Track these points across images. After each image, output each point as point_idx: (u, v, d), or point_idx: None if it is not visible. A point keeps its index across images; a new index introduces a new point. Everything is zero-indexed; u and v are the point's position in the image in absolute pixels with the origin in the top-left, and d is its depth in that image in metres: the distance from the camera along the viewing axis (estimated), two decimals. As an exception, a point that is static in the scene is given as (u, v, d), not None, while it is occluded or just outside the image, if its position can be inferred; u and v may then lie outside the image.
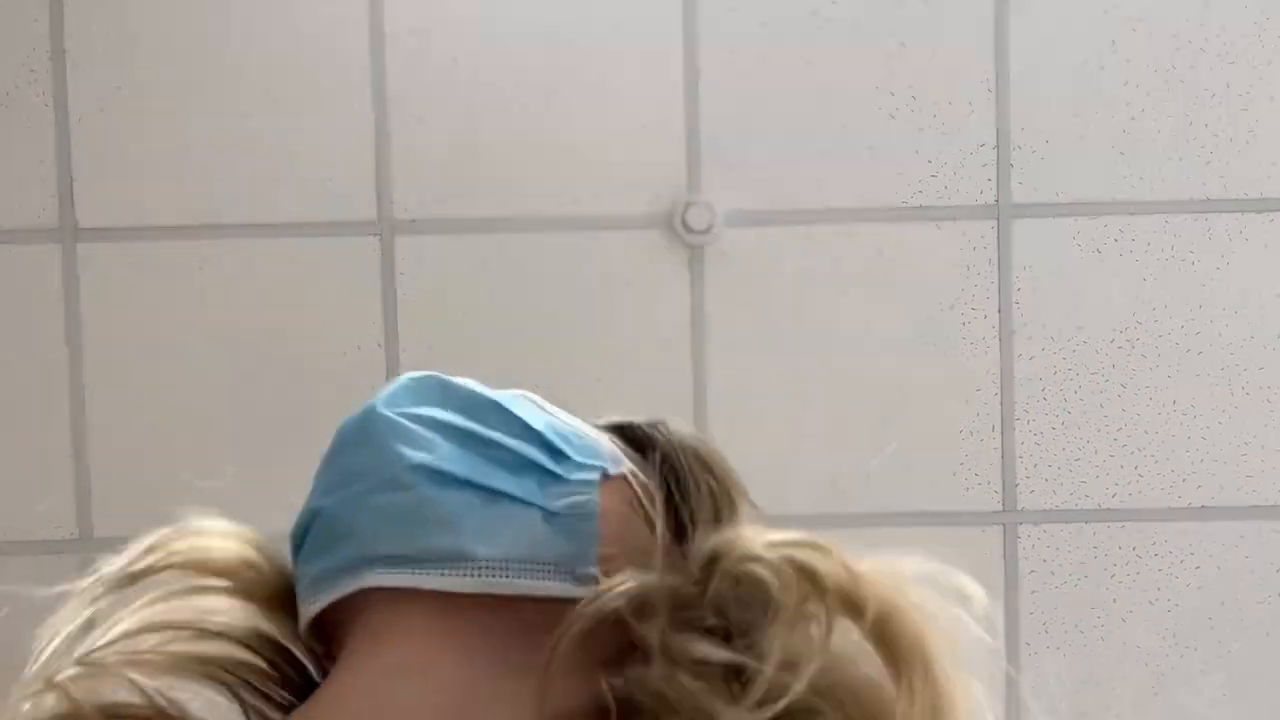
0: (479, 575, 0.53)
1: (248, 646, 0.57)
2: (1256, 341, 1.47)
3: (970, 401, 1.48)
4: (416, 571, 0.53)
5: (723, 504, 0.59)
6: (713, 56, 1.46)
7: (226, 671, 0.56)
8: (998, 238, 1.47)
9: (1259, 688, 1.49)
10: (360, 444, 0.57)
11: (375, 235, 1.47)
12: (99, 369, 1.47)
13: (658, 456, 0.59)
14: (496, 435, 0.56)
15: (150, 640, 0.56)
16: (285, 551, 0.60)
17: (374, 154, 1.46)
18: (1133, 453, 1.48)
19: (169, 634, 0.56)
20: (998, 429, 1.47)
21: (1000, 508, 1.48)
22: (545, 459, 0.56)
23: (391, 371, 1.47)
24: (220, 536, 0.59)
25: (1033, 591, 1.48)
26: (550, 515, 0.54)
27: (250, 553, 0.59)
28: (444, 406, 0.58)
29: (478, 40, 1.47)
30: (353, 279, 1.47)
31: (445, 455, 0.55)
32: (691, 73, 1.46)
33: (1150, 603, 1.48)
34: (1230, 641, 1.49)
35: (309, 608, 0.56)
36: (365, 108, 1.46)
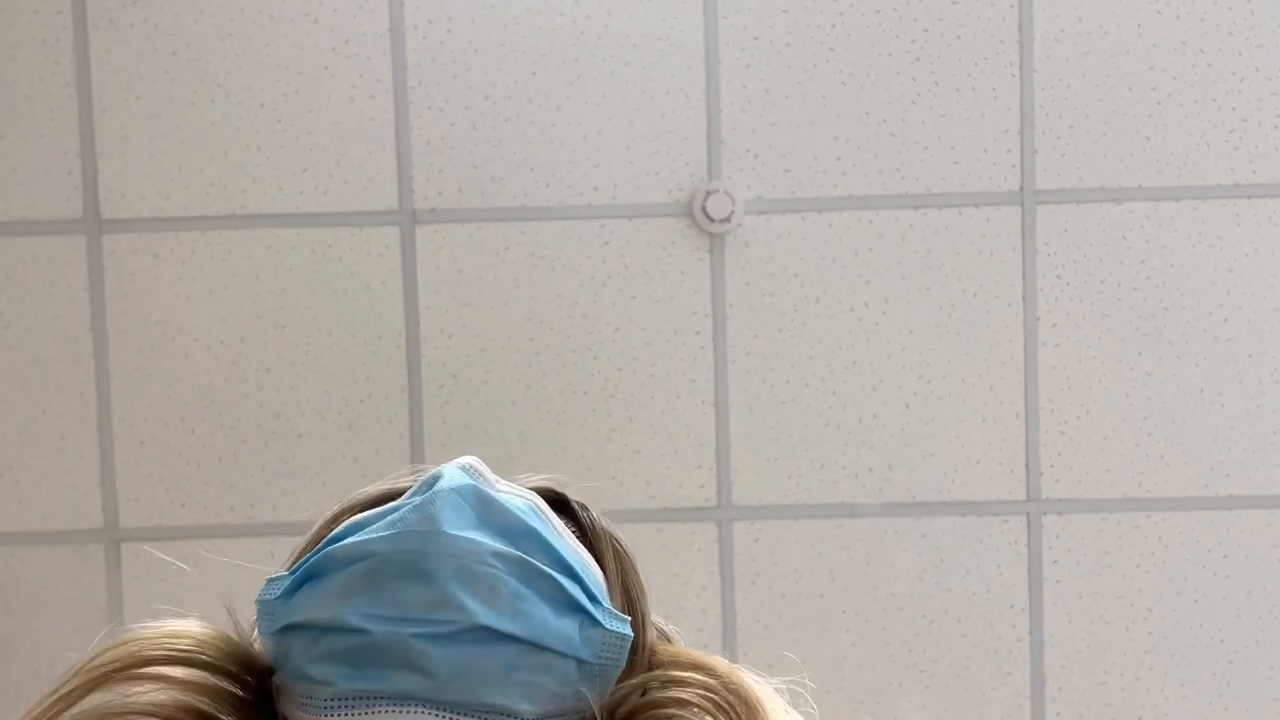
0: None
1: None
2: (1285, 329, 1.46)
3: (994, 389, 1.47)
4: None
5: (632, 590, 0.64)
6: (733, 43, 1.46)
7: None
8: (1022, 224, 1.46)
9: (1287, 679, 1.47)
10: (422, 578, 0.58)
11: (396, 225, 1.47)
12: (124, 360, 1.48)
13: (588, 539, 0.65)
14: (542, 566, 0.59)
15: None
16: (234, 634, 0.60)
17: (395, 143, 1.47)
18: (1158, 441, 1.46)
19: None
20: (1021, 417, 1.46)
21: (1024, 497, 1.47)
22: (582, 596, 0.60)
23: (412, 361, 1.47)
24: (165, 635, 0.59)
25: (1057, 582, 1.47)
26: (582, 664, 0.59)
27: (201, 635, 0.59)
28: (484, 527, 0.60)
29: (498, 29, 1.46)
30: (374, 268, 1.47)
31: (505, 609, 0.58)
32: (713, 60, 1.46)
33: (1176, 594, 1.47)
34: (1258, 632, 1.47)
35: (323, 716, 0.57)
36: (386, 97, 1.46)
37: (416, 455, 1.47)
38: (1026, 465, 1.47)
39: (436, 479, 0.61)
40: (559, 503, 0.66)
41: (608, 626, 0.60)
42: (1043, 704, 1.47)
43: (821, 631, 1.47)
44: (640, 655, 0.61)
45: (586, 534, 0.65)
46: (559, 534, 0.62)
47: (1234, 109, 1.45)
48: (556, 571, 0.59)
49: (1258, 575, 1.47)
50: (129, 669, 0.57)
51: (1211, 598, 1.47)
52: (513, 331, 1.47)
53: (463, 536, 0.58)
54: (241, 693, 0.59)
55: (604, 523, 0.66)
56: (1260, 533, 1.47)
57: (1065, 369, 1.46)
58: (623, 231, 1.47)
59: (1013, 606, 1.47)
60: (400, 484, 0.65)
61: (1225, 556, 1.47)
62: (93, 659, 0.57)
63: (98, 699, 0.56)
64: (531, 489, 0.65)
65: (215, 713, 0.57)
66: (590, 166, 1.46)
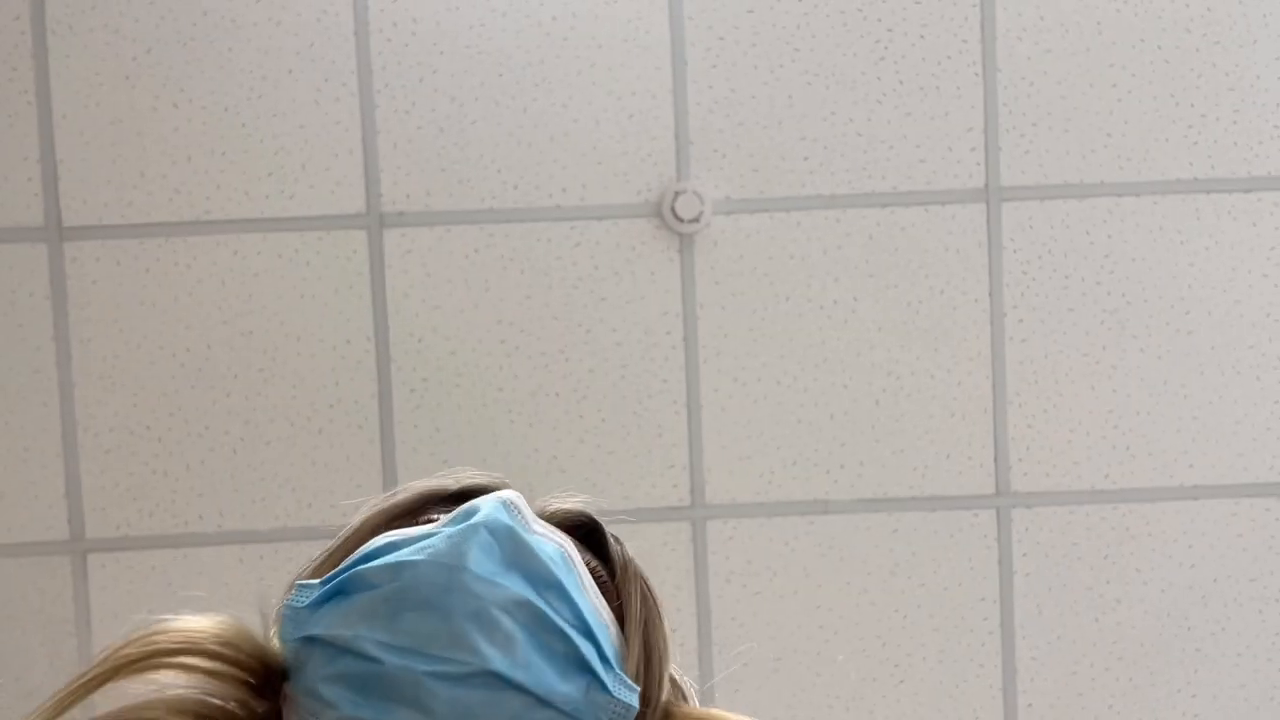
0: None
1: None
2: (1246, 320, 1.48)
3: (962, 385, 1.48)
4: None
5: (653, 643, 0.63)
6: (700, 44, 1.46)
7: None
8: (987, 221, 1.48)
9: (1253, 665, 1.49)
10: (440, 614, 0.58)
11: (363, 228, 1.46)
12: (87, 368, 1.46)
13: (616, 581, 0.65)
14: (560, 622, 0.59)
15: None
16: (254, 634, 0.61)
17: (361, 147, 1.46)
18: (1124, 434, 1.48)
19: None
20: (990, 412, 1.48)
21: (993, 491, 1.48)
22: (595, 659, 0.60)
23: (382, 365, 1.46)
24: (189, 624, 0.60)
25: (1026, 574, 1.49)
26: None
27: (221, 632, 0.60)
28: (511, 570, 0.60)
29: (464, 31, 1.46)
30: (341, 272, 1.46)
31: (518, 658, 0.58)
32: (679, 61, 1.46)
33: (1144, 583, 1.49)
34: (1224, 619, 1.49)
35: None
36: (352, 100, 1.45)
37: (388, 461, 1.46)
38: (995, 459, 1.48)
39: (474, 511, 0.61)
40: (593, 532, 0.65)
41: (614, 694, 0.59)
42: (1014, 694, 1.49)
43: (795, 628, 1.48)
44: (653, 714, 0.61)
45: (615, 572, 0.64)
46: (583, 588, 0.61)
47: (1192, 105, 1.47)
48: (572, 629, 0.59)
49: (1223, 564, 1.49)
50: (151, 658, 0.58)
51: (1178, 586, 1.49)
52: (483, 334, 1.46)
53: (485, 579, 0.59)
54: (255, 682, 0.60)
55: (635, 564, 0.65)
56: (1225, 522, 1.49)
57: (1032, 364, 1.48)
58: (592, 233, 1.47)
59: (984, 599, 1.48)
60: (444, 483, 0.65)
61: (1191, 546, 1.49)
62: (118, 647, 0.58)
63: (123, 688, 0.57)
64: (567, 513, 0.65)
65: (226, 705, 0.58)
66: (558, 168, 1.46)
